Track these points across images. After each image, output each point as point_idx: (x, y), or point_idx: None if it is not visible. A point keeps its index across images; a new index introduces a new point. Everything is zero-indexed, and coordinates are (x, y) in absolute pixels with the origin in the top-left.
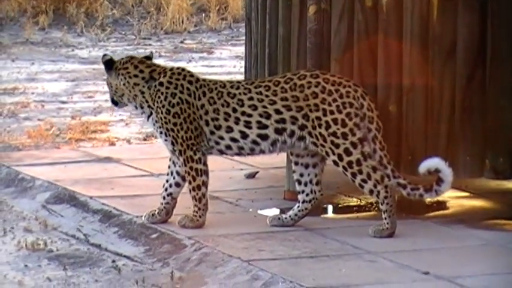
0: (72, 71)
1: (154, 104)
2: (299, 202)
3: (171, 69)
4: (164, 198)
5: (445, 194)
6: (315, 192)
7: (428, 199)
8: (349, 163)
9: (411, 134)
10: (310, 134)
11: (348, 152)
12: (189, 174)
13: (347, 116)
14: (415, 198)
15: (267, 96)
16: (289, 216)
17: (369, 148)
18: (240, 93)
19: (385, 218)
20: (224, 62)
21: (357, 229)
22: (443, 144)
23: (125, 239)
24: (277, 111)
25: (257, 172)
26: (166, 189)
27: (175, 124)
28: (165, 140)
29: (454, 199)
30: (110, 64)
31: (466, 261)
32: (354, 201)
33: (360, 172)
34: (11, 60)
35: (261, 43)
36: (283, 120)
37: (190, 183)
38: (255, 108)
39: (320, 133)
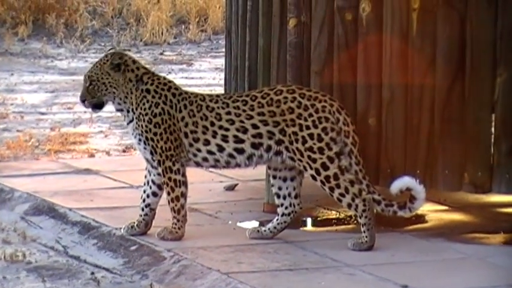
0: (52, 82)
1: (136, 109)
2: (278, 215)
3: (159, 78)
4: (143, 209)
5: (420, 208)
6: (294, 206)
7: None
8: (327, 177)
9: (390, 147)
10: (287, 148)
11: (324, 167)
12: (167, 185)
13: (323, 130)
14: (389, 214)
15: (244, 111)
16: (268, 229)
17: (346, 162)
18: (218, 107)
19: (364, 232)
20: (204, 74)
21: (336, 242)
22: (423, 157)
23: (104, 251)
24: (254, 126)
25: (236, 184)
26: (144, 200)
27: (155, 134)
28: (144, 148)
29: (433, 212)
30: (118, 64)
31: (445, 275)
32: (333, 214)
33: (338, 186)
34: None
35: (241, 55)
36: (259, 135)
37: (168, 194)
38: (232, 122)
39: (297, 148)
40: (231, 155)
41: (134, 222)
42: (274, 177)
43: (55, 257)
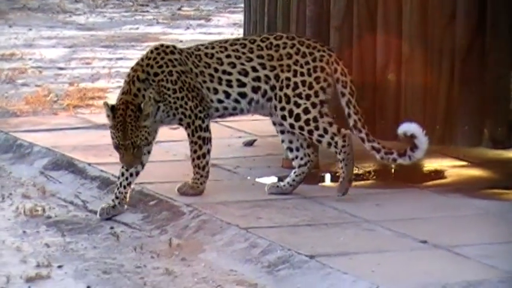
0: (70, 37)
1: (161, 96)
2: (295, 168)
3: (148, 57)
4: (124, 187)
5: (419, 160)
6: (309, 155)
7: (424, 167)
8: (307, 121)
9: (410, 103)
10: (275, 95)
11: (306, 111)
12: (195, 143)
13: (316, 79)
14: (388, 162)
15: (243, 53)
16: (287, 182)
17: (327, 110)
18: (217, 52)
19: (342, 168)
20: (222, 29)
21: (355, 197)
22: (442, 113)
23: None
24: (254, 69)
25: (255, 140)
26: (126, 178)
27: (181, 98)
28: (172, 120)
29: (452, 168)
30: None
31: (464, 230)
32: None
33: (317, 128)
34: (8, 26)
35: (260, 10)
36: (258, 78)
37: (195, 152)
38: (234, 65)
39: (285, 94)
40: (236, 100)
41: (114, 202)
42: (282, 132)
43: (74, 211)
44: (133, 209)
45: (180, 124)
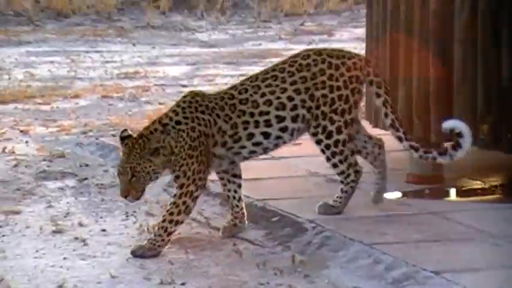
0: (193, 55)
1: (176, 147)
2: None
3: (179, 105)
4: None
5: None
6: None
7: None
8: (336, 142)
9: None
10: (312, 115)
11: (339, 131)
12: (176, 207)
13: (352, 91)
14: (427, 161)
15: (277, 85)
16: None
17: (353, 131)
18: (251, 95)
19: (340, 197)
20: (344, 44)
21: (481, 212)
22: None
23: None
24: (290, 98)
25: None
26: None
27: (191, 157)
28: (170, 171)
29: None
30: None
31: None
32: (477, 184)
33: (341, 153)
34: (132, 45)
35: (382, 25)
36: (295, 107)
37: (171, 214)
38: (270, 103)
39: (322, 111)
40: (278, 137)
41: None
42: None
43: (197, 228)
44: (256, 225)
45: (175, 181)
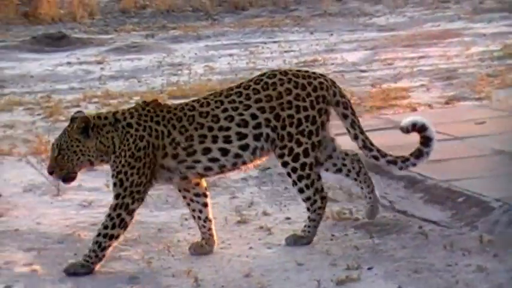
0: (371, 40)
1: (119, 148)
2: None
3: (137, 110)
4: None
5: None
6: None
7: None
8: (303, 165)
9: None
10: (277, 135)
11: (306, 153)
12: (111, 219)
13: (319, 112)
14: (407, 169)
15: (240, 102)
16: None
17: (320, 154)
18: (213, 109)
19: (309, 227)
20: None
21: None
22: None
23: (431, 204)
24: (253, 116)
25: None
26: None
27: (133, 167)
28: (107, 165)
29: None
30: (86, 128)
31: None
32: None
33: (308, 177)
34: (310, 33)
35: None
36: (259, 125)
37: (106, 228)
38: (232, 119)
39: (288, 132)
40: (237, 155)
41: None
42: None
43: (382, 212)
44: (441, 206)
45: (112, 189)
